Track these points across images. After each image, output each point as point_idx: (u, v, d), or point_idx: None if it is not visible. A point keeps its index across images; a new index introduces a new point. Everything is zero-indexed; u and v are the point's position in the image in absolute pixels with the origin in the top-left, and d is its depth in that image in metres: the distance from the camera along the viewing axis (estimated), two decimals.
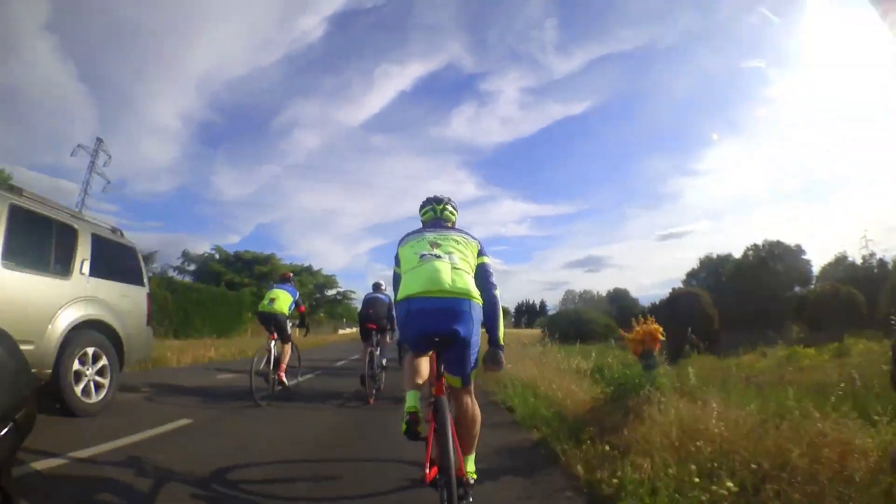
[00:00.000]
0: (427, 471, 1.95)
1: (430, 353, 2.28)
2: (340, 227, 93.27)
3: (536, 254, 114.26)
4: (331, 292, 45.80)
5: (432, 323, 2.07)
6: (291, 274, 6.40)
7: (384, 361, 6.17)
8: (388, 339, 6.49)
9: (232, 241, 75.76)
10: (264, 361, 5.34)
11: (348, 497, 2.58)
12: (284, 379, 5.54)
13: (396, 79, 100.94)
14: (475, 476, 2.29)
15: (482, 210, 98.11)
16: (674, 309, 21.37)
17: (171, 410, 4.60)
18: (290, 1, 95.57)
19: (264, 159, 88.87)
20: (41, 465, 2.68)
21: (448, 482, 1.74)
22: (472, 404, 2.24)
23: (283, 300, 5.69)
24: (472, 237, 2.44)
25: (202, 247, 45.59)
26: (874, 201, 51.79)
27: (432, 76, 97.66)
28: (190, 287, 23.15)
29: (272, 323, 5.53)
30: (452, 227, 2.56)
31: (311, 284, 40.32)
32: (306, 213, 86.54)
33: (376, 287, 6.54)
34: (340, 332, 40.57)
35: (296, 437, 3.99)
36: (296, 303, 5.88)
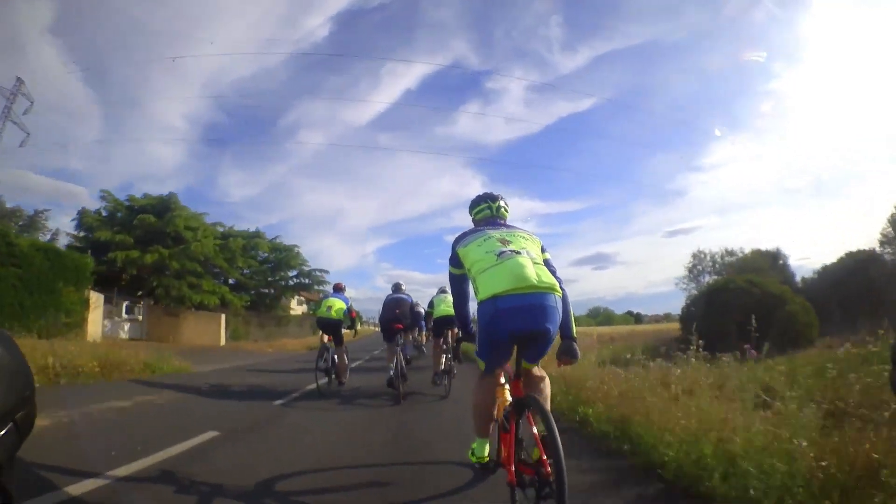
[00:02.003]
0: (515, 471, 1.99)
1: (501, 371, 2.35)
2: (347, 227, 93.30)
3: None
4: (303, 276, 32.32)
5: (523, 321, 2.04)
6: (343, 284, 7.21)
7: (409, 356, 6.67)
8: (410, 337, 7.03)
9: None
10: (324, 359, 6.25)
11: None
12: (344, 379, 6.60)
13: (403, 77, 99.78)
14: None
15: None
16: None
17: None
18: (294, 0, 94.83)
19: (271, 159, 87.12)
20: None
21: (561, 483, 1.66)
22: (540, 369, 2.36)
23: (338, 308, 6.50)
24: (534, 234, 2.41)
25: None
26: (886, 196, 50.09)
27: (438, 74, 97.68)
28: None
29: (330, 328, 6.42)
30: (511, 224, 2.52)
31: (265, 250, 29.29)
32: (313, 212, 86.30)
33: (397, 287, 6.69)
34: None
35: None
36: (348, 309, 6.60)
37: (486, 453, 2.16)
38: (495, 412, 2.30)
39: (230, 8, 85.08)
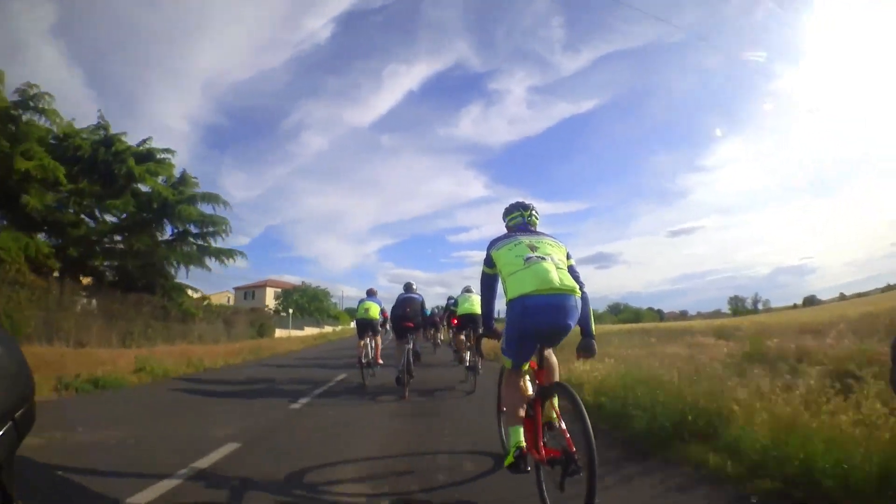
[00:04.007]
0: (541, 452, 2.20)
1: (528, 365, 2.52)
2: (348, 228, 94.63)
3: None
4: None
5: (547, 318, 2.29)
6: (375, 289, 8.06)
7: (419, 352, 6.97)
8: (422, 335, 7.29)
9: (241, 243, 74.40)
10: (364, 355, 7.16)
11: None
12: (381, 360, 7.80)
13: (404, 78, 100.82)
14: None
15: (491, 210, 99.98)
16: None
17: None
18: (296, 1, 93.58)
19: (272, 161, 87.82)
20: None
21: (591, 460, 1.88)
22: (551, 353, 2.53)
23: (374, 310, 7.51)
24: (560, 241, 2.61)
25: None
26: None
27: (440, 76, 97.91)
28: None
29: (368, 327, 7.39)
30: (540, 232, 2.73)
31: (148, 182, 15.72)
32: (314, 214, 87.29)
33: (408, 287, 7.01)
34: (296, 332, 29.31)
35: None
36: (381, 310, 7.70)
37: (522, 437, 2.32)
38: (523, 408, 2.47)
39: (230, 10, 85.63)
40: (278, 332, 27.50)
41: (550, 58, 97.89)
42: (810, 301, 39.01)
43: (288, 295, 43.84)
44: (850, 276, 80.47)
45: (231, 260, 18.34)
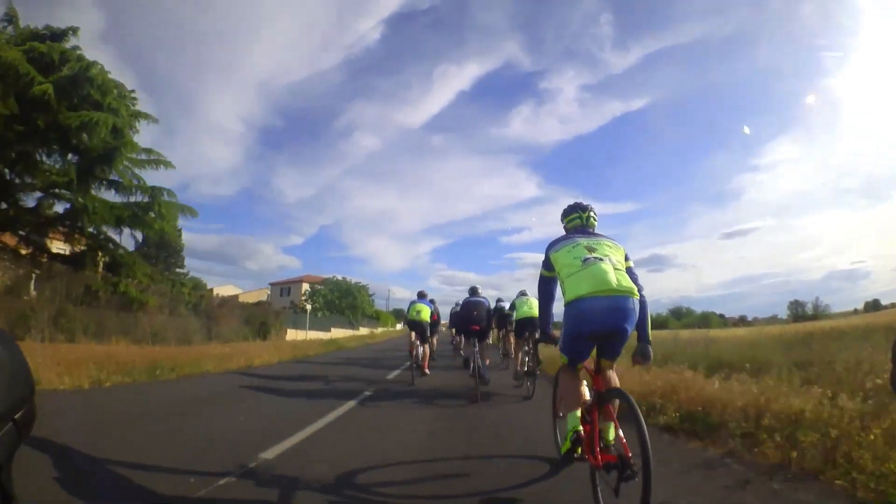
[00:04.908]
0: (597, 458, 2.16)
1: (584, 365, 2.50)
2: (400, 228, 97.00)
3: None
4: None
5: (603, 320, 2.25)
6: (426, 291, 8.26)
7: (487, 362, 6.79)
8: (488, 339, 7.38)
9: (295, 243, 78.32)
10: (415, 356, 7.49)
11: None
12: (427, 370, 7.84)
13: (455, 79, 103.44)
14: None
15: (543, 210, 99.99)
16: None
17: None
18: (347, 4, 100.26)
19: (325, 161, 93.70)
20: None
21: (647, 467, 1.85)
22: (613, 372, 2.49)
23: (425, 312, 7.72)
24: (619, 243, 2.56)
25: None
26: None
27: (490, 76, 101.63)
28: None
29: (419, 328, 7.60)
30: (598, 234, 2.69)
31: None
32: (367, 214, 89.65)
33: (474, 291, 7.18)
34: (317, 334, 23.47)
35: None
36: (432, 313, 7.96)
37: (579, 421, 2.31)
38: (580, 397, 2.44)
39: (282, 12, 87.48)
40: (291, 333, 21.91)
41: (600, 55, 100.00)
42: (873, 306, 36.11)
43: (315, 290, 37.44)
44: None
45: (154, 167, 13.81)
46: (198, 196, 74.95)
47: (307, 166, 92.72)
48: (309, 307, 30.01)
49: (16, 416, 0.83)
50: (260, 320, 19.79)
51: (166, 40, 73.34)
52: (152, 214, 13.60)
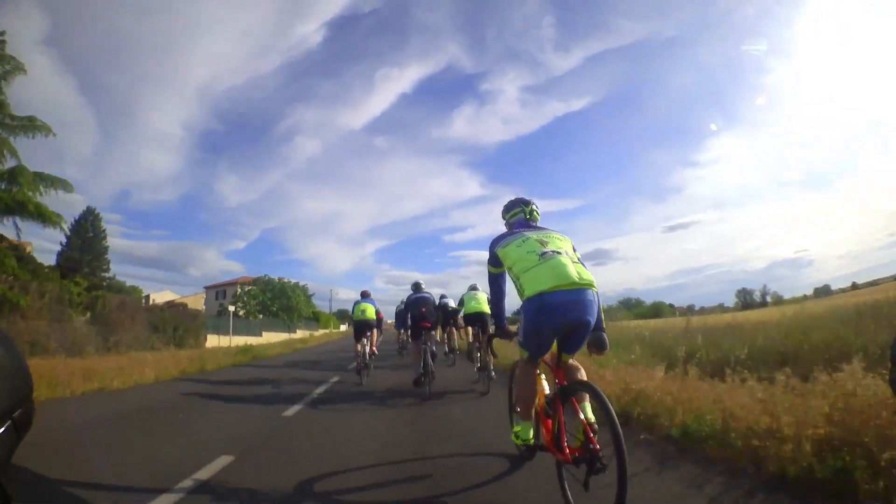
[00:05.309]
0: (565, 452, 2.17)
1: (541, 361, 2.51)
2: (344, 230, 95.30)
3: None
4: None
5: (567, 314, 2.24)
6: (369, 291, 8.40)
7: (436, 353, 6.61)
8: (438, 338, 7.27)
9: (238, 247, 74.71)
10: (362, 354, 7.52)
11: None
12: (376, 349, 8.27)
13: (396, 81, 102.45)
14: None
15: (487, 209, 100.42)
16: None
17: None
18: (287, 7, 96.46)
19: (267, 165, 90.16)
20: None
21: (621, 459, 1.82)
22: (574, 360, 2.49)
23: (370, 311, 7.87)
24: (565, 235, 2.57)
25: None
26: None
27: (432, 78, 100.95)
28: None
29: (367, 327, 7.70)
30: (544, 227, 2.68)
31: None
32: (310, 216, 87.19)
33: (417, 287, 6.99)
34: (243, 339, 20.77)
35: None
36: (376, 311, 8.13)
37: (531, 435, 2.33)
38: (537, 398, 2.46)
39: (223, 17, 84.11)
40: (213, 340, 19.60)
41: (542, 57, 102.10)
42: (823, 292, 36.47)
43: (244, 290, 34.24)
44: (846, 268, 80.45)
45: (29, 134, 12.24)
46: (139, 203, 69.85)
47: (249, 170, 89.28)
48: (233, 309, 25.78)
49: (14, 416, 0.84)
50: (171, 326, 16.89)
51: (106, 47, 68.70)
52: (14, 189, 11.56)
